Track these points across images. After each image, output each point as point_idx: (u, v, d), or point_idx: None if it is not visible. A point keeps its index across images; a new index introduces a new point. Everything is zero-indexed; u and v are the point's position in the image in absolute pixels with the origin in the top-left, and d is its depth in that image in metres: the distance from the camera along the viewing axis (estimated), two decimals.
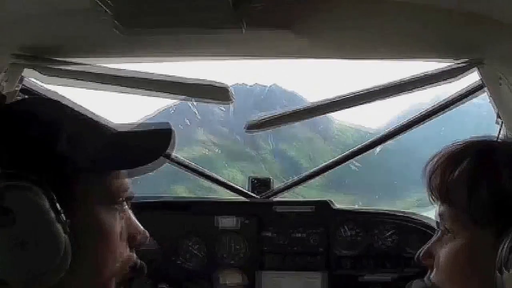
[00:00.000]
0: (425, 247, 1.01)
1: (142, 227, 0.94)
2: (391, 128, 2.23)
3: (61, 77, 1.70)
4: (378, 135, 2.31)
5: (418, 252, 1.02)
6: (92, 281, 0.86)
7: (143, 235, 0.94)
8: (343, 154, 2.36)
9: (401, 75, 1.72)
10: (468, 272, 0.92)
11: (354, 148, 2.35)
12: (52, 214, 0.77)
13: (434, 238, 1.00)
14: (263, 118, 1.69)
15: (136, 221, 0.94)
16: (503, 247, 0.83)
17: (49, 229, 0.76)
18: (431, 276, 0.99)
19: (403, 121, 2.23)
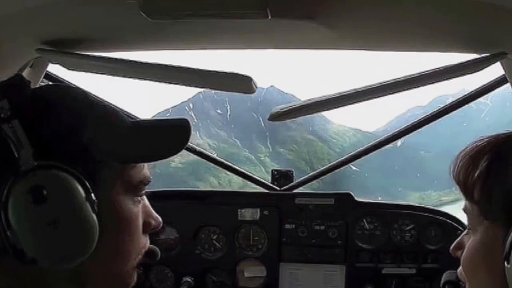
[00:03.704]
0: (456, 240, 1.06)
1: (156, 214, 0.97)
2: (415, 121, 2.24)
3: (85, 71, 1.71)
4: (400, 129, 2.30)
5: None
6: (112, 267, 0.89)
7: (157, 222, 0.97)
8: (361, 148, 2.36)
9: (419, 68, 1.69)
10: (480, 267, 0.96)
11: (374, 141, 2.36)
12: (82, 192, 0.79)
13: (465, 232, 1.04)
14: (285, 107, 1.66)
15: (151, 207, 0.97)
16: (507, 239, 0.87)
17: (79, 206, 0.78)
18: (459, 269, 1.05)
19: (425, 114, 2.23)
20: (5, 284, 0.82)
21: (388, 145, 2.27)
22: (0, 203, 0.76)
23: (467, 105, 2.11)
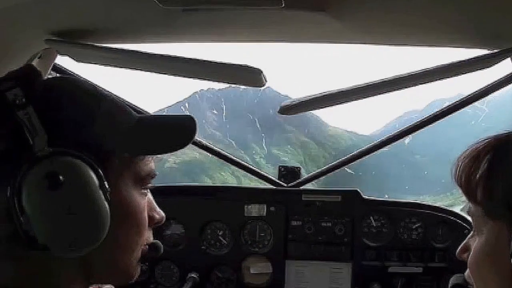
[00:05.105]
0: (463, 243, 1.05)
1: (159, 209, 0.98)
2: (420, 119, 2.22)
3: (94, 62, 1.69)
4: (396, 131, 2.29)
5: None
6: (118, 258, 0.89)
7: (160, 216, 0.98)
8: (366, 146, 2.35)
9: (426, 64, 1.68)
10: (487, 267, 0.95)
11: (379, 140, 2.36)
12: (96, 180, 0.79)
13: (470, 234, 1.04)
14: (296, 101, 1.65)
15: (154, 202, 0.98)
16: None
17: (94, 193, 0.79)
18: (466, 271, 1.04)
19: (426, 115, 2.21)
20: (14, 273, 0.82)
21: (389, 145, 2.27)
22: (14, 189, 0.76)
23: (464, 108, 2.11)
